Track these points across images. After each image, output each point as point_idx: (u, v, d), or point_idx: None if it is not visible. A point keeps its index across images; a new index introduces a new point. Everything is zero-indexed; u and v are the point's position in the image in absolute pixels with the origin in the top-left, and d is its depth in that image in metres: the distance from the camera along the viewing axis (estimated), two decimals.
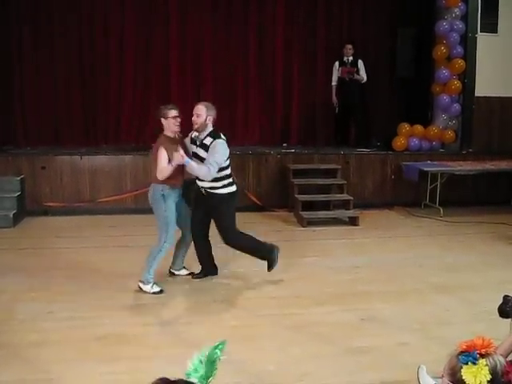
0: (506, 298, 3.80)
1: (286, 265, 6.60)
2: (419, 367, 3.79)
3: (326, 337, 4.80)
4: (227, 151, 5.74)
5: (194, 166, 5.55)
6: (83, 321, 5.03)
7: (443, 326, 5.01)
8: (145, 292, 5.66)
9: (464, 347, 1.97)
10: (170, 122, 5.67)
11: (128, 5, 10.39)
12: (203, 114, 5.65)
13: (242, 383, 3.97)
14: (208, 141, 5.65)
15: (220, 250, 6.24)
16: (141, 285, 5.70)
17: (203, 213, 5.93)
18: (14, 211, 8.44)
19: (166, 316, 5.24)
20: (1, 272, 6.29)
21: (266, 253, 6.04)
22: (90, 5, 10.24)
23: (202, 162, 5.61)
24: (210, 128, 5.72)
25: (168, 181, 5.60)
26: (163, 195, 5.65)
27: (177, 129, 5.72)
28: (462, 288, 6.00)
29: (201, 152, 5.69)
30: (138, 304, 5.47)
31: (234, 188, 5.91)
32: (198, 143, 5.74)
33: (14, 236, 7.96)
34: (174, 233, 5.77)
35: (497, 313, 3.82)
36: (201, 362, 1.90)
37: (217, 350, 1.91)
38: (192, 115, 5.70)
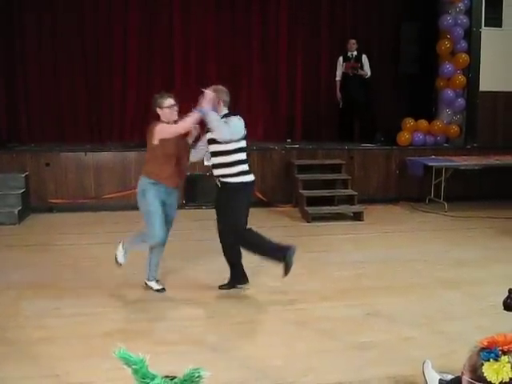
0: (511, 291, 3.81)
1: None
2: (424, 362, 3.82)
3: (330, 332, 4.80)
4: (242, 127, 5.38)
5: (213, 116, 5.22)
6: (89, 317, 5.04)
7: (449, 321, 5.00)
8: (150, 288, 5.64)
9: (485, 344, 1.95)
10: (166, 112, 5.39)
11: (132, 4, 10.41)
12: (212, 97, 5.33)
13: (248, 378, 3.97)
14: None
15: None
16: (147, 282, 5.68)
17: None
18: (19, 208, 8.46)
19: (171, 312, 5.24)
20: (7, 269, 6.31)
21: (279, 253, 5.44)
22: (94, 3, 10.26)
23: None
24: (223, 111, 5.41)
25: (152, 175, 5.40)
26: (144, 190, 5.45)
27: (174, 118, 5.42)
28: (467, 282, 6.00)
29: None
30: (143, 300, 5.47)
31: (248, 178, 5.50)
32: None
33: (19, 233, 7.98)
34: (162, 229, 5.47)
35: (502, 307, 3.84)
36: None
37: (196, 379, 1.81)
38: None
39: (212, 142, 5.41)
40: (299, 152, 9.87)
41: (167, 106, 5.42)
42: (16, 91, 10.16)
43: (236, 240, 5.53)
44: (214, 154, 5.42)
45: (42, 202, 9.02)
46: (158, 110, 5.44)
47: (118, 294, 5.58)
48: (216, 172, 5.48)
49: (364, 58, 10.48)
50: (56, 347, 4.42)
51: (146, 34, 10.54)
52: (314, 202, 9.07)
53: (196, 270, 6.34)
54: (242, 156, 5.44)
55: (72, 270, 6.27)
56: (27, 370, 4.06)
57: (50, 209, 9.03)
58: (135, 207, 8.87)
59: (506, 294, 3.83)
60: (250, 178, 5.54)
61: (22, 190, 8.70)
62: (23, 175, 8.84)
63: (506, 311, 3.82)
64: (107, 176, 9.21)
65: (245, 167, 5.46)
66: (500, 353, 1.90)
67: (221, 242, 5.63)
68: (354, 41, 10.50)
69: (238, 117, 5.43)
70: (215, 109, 5.35)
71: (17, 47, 10.07)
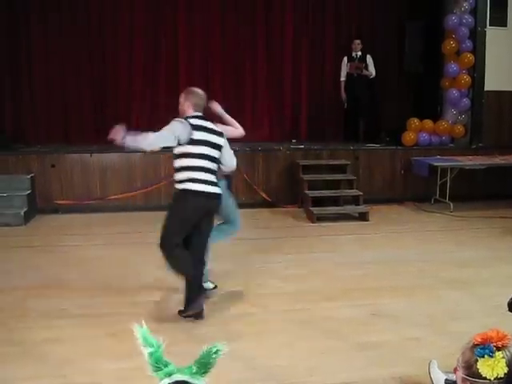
0: None
1: (295, 260, 6.63)
2: (430, 362, 3.82)
3: (335, 332, 4.80)
4: (183, 130, 4.79)
5: (132, 138, 4.90)
6: (95, 317, 5.06)
7: (454, 321, 5.00)
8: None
9: (479, 340, 1.97)
10: None
11: (137, 5, 10.46)
12: (182, 101, 5.05)
13: (252, 379, 3.98)
14: None
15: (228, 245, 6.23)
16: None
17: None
18: (25, 209, 8.49)
19: (177, 312, 5.25)
20: (13, 270, 6.34)
21: (193, 288, 5.03)
22: (100, 4, 10.33)
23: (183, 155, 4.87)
24: (189, 114, 4.97)
25: None
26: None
27: None
28: (472, 283, 5.99)
29: None
30: (149, 300, 5.48)
31: (192, 186, 4.84)
32: None
33: (26, 234, 8.01)
34: None
35: (507, 308, 3.83)
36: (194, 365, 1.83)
37: (213, 355, 1.83)
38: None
39: None
40: (304, 152, 9.88)
41: None
42: (22, 93, 10.21)
43: (161, 244, 4.95)
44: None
45: (47, 203, 9.04)
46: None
47: (124, 295, 5.58)
48: None
49: (368, 58, 10.48)
50: (63, 348, 4.44)
51: (152, 35, 10.57)
52: (319, 202, 9.08)
53: None
54: (188, 162, 4.86)
55: (78, 271, 6.29)
56: (34, 370, 4.08)
57: (56, 210, 9.06)
58: (140, 208, 9.03)
59: None
60: (193, 187, 4.85)
61: (28, 192, 8.73)
62: (29, 176, 8.87)
63: (510, 312, 3.81)
64: (112, 177, 9.23)
65: (190, 175, 4.84)
66: (494, 349, 1.92)
67: None
68: (358, 41, 10.50)
69: (181, 120, 4.90)
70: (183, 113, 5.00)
71: (22, 48, 10.12)
